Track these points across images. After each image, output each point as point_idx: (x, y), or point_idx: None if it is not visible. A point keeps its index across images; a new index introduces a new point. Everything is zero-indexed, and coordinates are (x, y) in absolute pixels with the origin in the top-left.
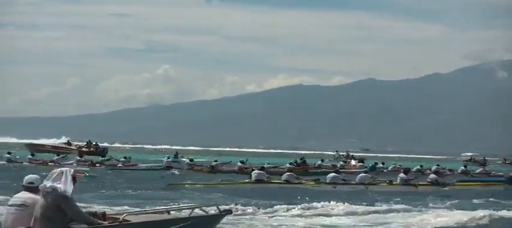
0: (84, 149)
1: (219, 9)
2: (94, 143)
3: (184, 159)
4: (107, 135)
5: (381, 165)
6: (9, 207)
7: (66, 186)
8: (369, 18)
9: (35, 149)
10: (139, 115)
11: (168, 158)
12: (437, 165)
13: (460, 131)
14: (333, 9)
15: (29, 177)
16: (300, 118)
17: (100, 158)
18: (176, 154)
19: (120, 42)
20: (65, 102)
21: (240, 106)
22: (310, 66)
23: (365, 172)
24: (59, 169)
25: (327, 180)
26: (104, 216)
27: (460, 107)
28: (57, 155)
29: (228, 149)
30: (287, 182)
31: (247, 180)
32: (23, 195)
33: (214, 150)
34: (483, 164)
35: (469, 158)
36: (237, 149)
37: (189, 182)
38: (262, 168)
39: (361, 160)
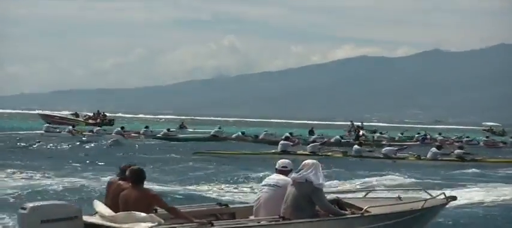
0: (90, 121)
1: None
2: (102, 114)
3: (189, 129)
4: (172, 106)
5: (438, 135)
6: (262, 187)
7: (318, 178)
8: None
9: (47, 119)
10: (204, 87)
11: (219, 128)
12: (487, 137)
13: None
14: None
15: (282, 161)
16: (365, 89)
17: (142, 129)
18: (182, 124)
19: (186, 13)
20: (130, 73)
21: (305, 77)
22: (376, 37)
23: (359, 144)
24: (311, 161)
25: (353, 153)
26: (338, 202)
27: None
28: (98, 127)
29: (287, 121)
30: (312, 153)
31: (273, 151)
32: (276, 177)
33: (274, 122)
34: (502, 134)
35: (489, 128)
36: (294, 121)
37: (214, 151)
38: (287, 138)
39: (373, 131)
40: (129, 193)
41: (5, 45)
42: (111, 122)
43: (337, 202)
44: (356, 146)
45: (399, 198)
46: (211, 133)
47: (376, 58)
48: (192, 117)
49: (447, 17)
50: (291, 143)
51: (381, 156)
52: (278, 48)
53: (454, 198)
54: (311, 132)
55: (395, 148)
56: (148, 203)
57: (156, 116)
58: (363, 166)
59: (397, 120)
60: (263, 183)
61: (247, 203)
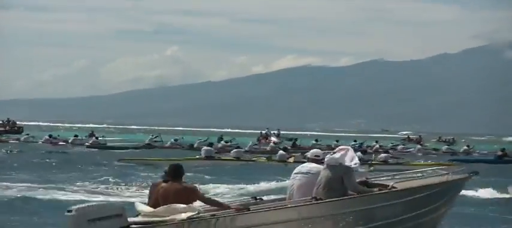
0: None
1: None
2: (11, 122)
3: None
4: (114, 116)
5: (375, 143)
6: (295, 175)
7: (351, 161)
8: None
9: None
10: (147, 96)
11: (154, 136)
12: (421, 144)
13: (468, 111)
14: None
15: (314, 151)
16: (308, 99)
17: (71, 138)
18: (91, 133)
19: (129, 24)
20: (72, 84)
21: (247, 87)
22: (318, 47)
23: (284, 149)
24: (344, 146)
25: (277, 158)
26: (366, 183)
27: (467, 86)
28: (7, 134)
29: (229, 130)
30: (237, 158)
31: (197, 157)
32: (309, 165)
33: (216, 131)
34: (418, 142)
35: (406, 136)
36: (238, 131)
37: (139, 158)
38: (210, 145)
39: (291, 139)
40: (168, 187)
41: None
42: (20, 129)
43: (365, 183)
44: (281, 152)
45: (423, 175)
46: (146, 141)
47: (319, 68)
48: (128, 126)
49: (389, 27)
50: (214, 150)
51: (305, 160)
52: (221, 58)
53: (477, 173)
54: (220, 139)
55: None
56: (187, 195)
57: (87, 125)
58: (286, 170)
59: (340, 129)
60: (295, 171)
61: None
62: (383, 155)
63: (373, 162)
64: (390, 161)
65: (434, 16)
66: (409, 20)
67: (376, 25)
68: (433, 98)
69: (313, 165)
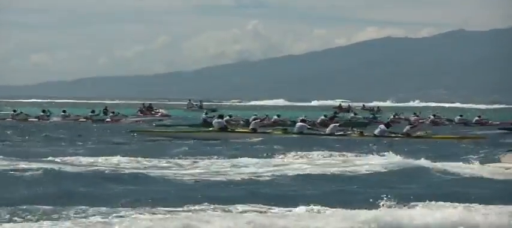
0: None
1: None
2: None
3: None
4: (195, 92)
5: (413, 114)
6: None
7: None
8: None
9: None
10: (228, 72)
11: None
12: (434, 115)
13: None
14: None
15: None
16: (389, 71)
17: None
18: (105, 109)
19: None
20: (153, 60)
21: (328, 60)
22: (399, 18)
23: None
24: None
25: (295, 130)
26: None
27: None
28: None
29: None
30: (253, 130)
31: (210, 129)
32: None
33: (299, 105)
34: (348, 110)
35: (338, 105)
36: (306, 104)
37: (153, 130)
38: (220, 116)
39: (213, 109)
40: None
41: (29, 34)
42: None
43: None
44: (298, 123)
45: None
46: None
47: (400, 39)
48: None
49: None
50: (225, 123)
51: (323, 133)
52: (301, 31)
53: None
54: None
55: (337, 125)
56: None
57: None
58: (303, 142)
59: (419, 100)
60: None
61: None
62: (406, 127)
63: (391, 136)
64: (412, 134)
65: None
66: None
67: None
68: None
69: None
